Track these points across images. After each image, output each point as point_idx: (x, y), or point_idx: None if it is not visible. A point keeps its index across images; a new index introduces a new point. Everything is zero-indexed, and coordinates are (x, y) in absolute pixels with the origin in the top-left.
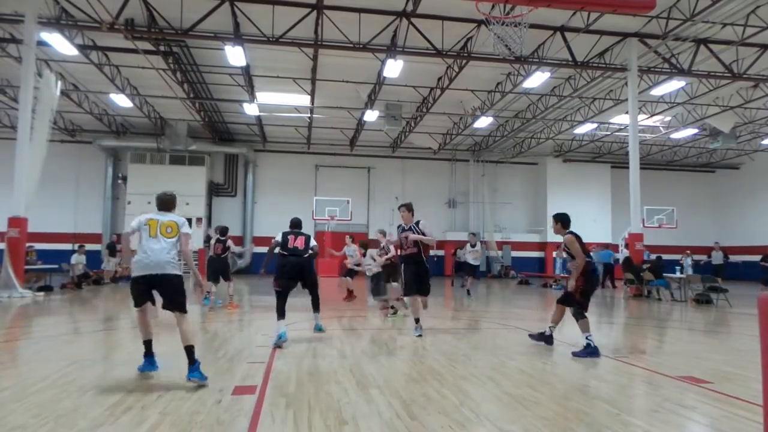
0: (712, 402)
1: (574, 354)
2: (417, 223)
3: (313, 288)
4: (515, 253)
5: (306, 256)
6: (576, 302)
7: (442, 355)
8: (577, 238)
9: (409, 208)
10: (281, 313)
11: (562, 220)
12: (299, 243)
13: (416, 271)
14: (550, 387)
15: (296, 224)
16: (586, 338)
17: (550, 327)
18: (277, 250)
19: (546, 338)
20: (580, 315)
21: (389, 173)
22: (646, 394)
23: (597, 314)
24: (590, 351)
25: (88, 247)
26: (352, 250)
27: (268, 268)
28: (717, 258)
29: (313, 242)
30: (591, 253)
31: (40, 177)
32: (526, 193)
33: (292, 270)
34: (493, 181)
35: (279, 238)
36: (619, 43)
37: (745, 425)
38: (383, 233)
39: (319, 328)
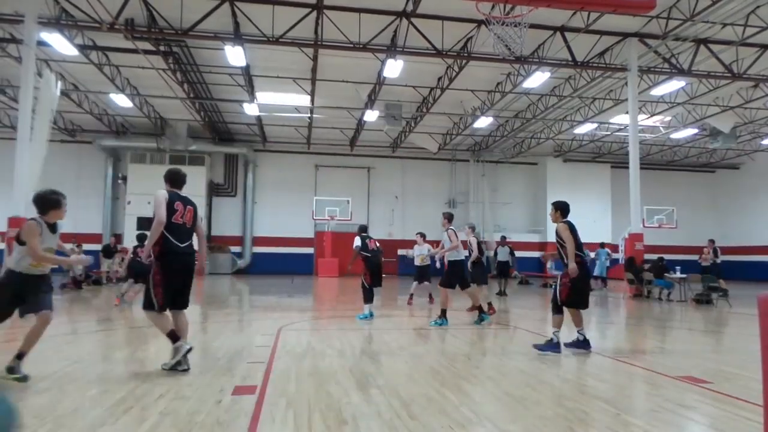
0: (712, 402)
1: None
2: None
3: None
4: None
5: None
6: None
7: (442, 355)
8: (571, 227)
9: None
10: (370, 299)
11: (562, 209)
12: (375, 243)
13: None
14: (550, 387)
15: (365, 229)
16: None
17: (578, 331)
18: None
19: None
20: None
21: (389, 173)
22: (646, 394)
23: (597, 314)
24: (552, 346)
25: (89, 247)
26: (425, 249)
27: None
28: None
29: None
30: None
31: (40, 177)
32: (526, 193)
33: (379, 267)
34: (493, 181)
35: (359, 242)
36: (619, 43)
37: (745, 425)
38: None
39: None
